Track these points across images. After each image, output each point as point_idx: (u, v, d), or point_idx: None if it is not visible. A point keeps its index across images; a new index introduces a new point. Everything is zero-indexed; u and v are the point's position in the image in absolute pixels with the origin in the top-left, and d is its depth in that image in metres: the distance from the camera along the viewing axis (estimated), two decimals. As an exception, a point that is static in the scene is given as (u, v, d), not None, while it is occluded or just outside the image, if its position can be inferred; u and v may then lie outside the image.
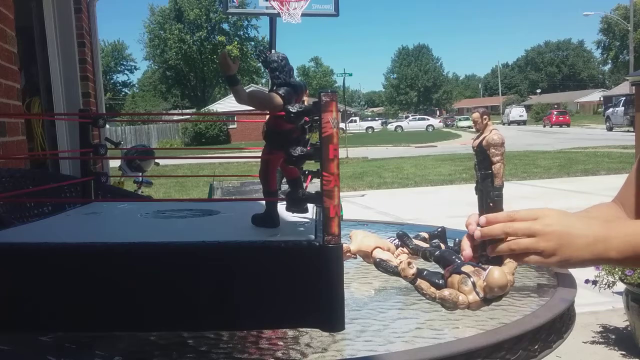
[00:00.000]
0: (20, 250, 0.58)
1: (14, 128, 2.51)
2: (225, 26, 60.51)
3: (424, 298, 0.76)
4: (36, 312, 0.58)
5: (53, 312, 0.58)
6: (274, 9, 5.30)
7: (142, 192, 5.27)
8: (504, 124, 53.04)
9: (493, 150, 0.97)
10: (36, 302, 0.57)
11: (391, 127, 52.97)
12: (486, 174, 0.98)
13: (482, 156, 0.99)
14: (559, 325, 0.72)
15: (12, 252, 0.58)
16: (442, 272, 0.78)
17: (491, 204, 0.95)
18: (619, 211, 1.01)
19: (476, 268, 0.74)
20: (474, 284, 0.72)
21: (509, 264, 0.81)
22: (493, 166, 0.97)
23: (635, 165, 1.01)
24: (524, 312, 0.73)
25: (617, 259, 0.78)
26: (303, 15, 5.44)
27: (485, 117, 0.98)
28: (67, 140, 4.13)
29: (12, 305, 0.58)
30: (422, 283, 0.76)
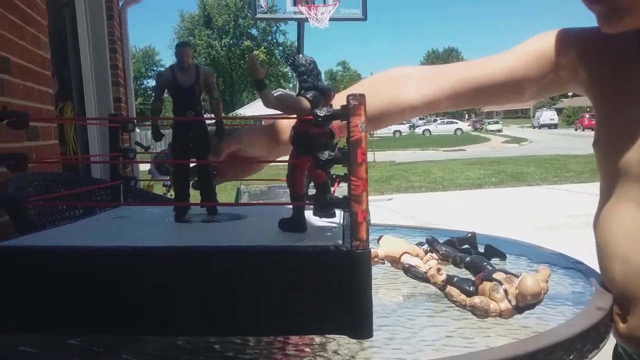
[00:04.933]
0: (51, 254, 0.59)
1: (47, 132, 2.56)
2: (254, 31, 61.08)
3: (453, 305, 0.74)
4: (64, 314, 0.58)
5: (81, 314, 0.58)
6: (302, 14, 5.33)
7: (170, 195, 5.34)
8: (534, 127, 52.25)
9: None
10: (65, 305, 0.58)
11: (419, 130, 52.65)
12: None
13: None
14: (595, 335, 0.70)
15: (43, 255, 0.59)
16: (473, 278, 0.76)
17: None
18: None
19: (508, 275, 0.73)
20: (505, 292, 0.70)
21: (543, 271, 0.79)
22: None
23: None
24: (558, 320, 0.71)
25: None
26: (331, 19, 5.46)
27: None
28: (98, 144, 4.20)
29: (41, 307, 0.58)
30: (452, 290, 0.74)
